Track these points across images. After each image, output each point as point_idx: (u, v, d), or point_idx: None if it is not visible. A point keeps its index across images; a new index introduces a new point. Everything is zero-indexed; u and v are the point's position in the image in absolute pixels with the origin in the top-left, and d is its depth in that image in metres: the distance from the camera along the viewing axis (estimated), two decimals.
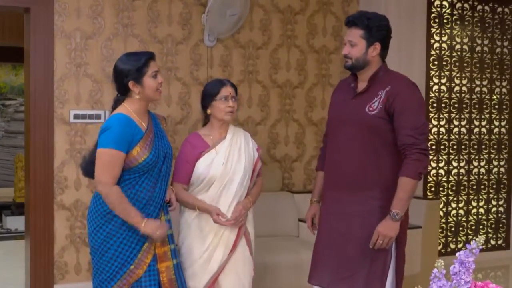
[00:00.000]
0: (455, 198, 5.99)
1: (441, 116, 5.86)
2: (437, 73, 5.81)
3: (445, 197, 5.93)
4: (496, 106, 6.13)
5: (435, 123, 5.82)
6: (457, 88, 5.92)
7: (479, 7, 5.99)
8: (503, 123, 6.18)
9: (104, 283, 2.97)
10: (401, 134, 2.89)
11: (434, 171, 5.85)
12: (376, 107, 2.93)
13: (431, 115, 5.79)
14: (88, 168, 3.04)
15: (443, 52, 5.83)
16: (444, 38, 5.84)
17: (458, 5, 5.89)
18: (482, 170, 6.11)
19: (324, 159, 3.20)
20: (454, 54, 5.89)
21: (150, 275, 2.98)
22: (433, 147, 5.83)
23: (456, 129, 5.94)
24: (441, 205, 5.80)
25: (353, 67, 3.01)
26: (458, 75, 5.92)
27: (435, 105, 5.80)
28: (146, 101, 3.02)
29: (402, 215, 2.89)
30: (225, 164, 3.22)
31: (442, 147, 5.88)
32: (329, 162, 3.11)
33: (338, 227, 3.01)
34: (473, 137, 6.04)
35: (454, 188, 5.98)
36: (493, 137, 6.14)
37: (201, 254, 3.20)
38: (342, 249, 3.00)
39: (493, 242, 6.19)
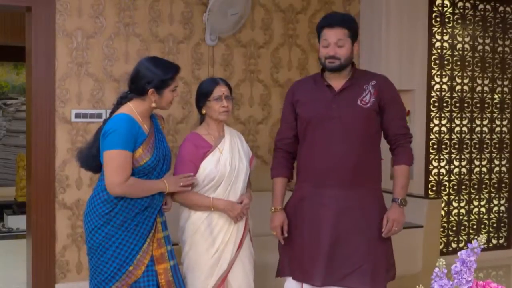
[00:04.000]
0: (456, 197, 5.99)
1: (443, 115, 5.85)
2: (438, 72, 5.80)
3: (447, 196, 5.92)
4: (498, 105, 6.12)
5: (436, 122, 5.82)
6: (458, 87, 5.92)
7: (481, 6, 5.98)
8: (504, 122, 6.17)
9: (102, 284, 2.95)
10: (393, 125, 3.04)
11: (435, 170, 5.85)
12: (369, 100, 3.00)
13: (433, 114, 5.78)
14: (84, 159, 3.05)
15: (444, 51, 5.83)
16: (446, 37, 5.83)
17: (460, 4, 5.89)
18: (484, 169, 6.10)
19: (286, 164, 3.24)
20: (456, 53, 5.89)
21: (148, 275, 2.98)
22: (435, 146, 5.83)
23: (457, 128, 5.94)
24: (443, 204, 5.80)
25: (341, 67, 3.00)
26: (459, 74, 5.91)
27: (436, 104, 5.79)
28: (154, 108, 3.03)
29: (407, 201, 3.04)
30: (231, 162, 3.24)
31: (443, 146, 5.87)
32: (319, 161, 3.06)
33: (340, 224, 3.00)
34: (474, 136, 6.03)
35: (455, 187, 5.97)
36: (494, 136, 6.13)
37: (212, 255, 3.19)
38: (347, 245, 3.00)
39: (494, 242, 6.19)
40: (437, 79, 5.80)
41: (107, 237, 2.91)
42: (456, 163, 5.96)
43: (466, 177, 6.02)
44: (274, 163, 3.29)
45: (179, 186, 3.07)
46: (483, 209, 6.12)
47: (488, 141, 6.11)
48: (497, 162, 6.16)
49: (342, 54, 2.98)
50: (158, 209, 3.03)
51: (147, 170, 2.94)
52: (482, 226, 6.11)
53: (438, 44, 5.78)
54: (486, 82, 6.05)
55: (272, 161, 3.33)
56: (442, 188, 5.90)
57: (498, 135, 6.15)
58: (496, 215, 6.18)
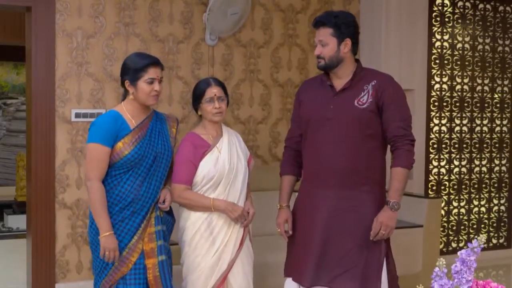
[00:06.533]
0: (456, 197, 5.99)
1: (443, 115, 5.85)
2: (438, 72, 5.80)
3: (447, 196, 5.92)
4: (498, 105, 6.12)
5: (436, 122, 5.82)
6: (458, 86, 5.92)
7: (481, 5, 5.98)
8: (504, 122, 6.17)
9: (97, 277, 3.07)
10: (392, 126, 2.96)
11: (435, 170, 5.85)
12: (366, 100, 2.98)
13: (433, 114, 5.78)
14: None
15: (444, 50, 5.83)
16: (446, 37, 5.83)
17: (460, 3, 5.89)
18: (484, 169, 6.10)
19: (293, 162, 3.23)
20: (456, 53, 5.89)
21: (135, 273, 3.01)
22: (435, 146, 5.83)
23: (457, 128, 5.94)
24: (443, 204, 5.80)
25: (326, 66, 3.03)
26: (459, 74, 5.91)
27: (436, 103, 5.80)
28: (140, 103, 3.05)
29: (400, 204, 2.95)
30: (229, 162, 3.24)
31: (443, 146, 5.87)
32: (316, 161, 3.07)
33: (332, 225, 2.99)
34: (474, 136, 6.03)
35: (455, 187, 5.97)
36: (494, 136, 6.13)
37: (212, 256, 3.19)
38: (339, 246, 2.98)
39: (494, 241, 6.19)
40: (437, 79, 5.80)
41: (98, 232, 2.97)
42: (456, 163, 5.96)
43: (466, 177, 6.02)
44: (282, 161, 3.33)
45: (106, 250, 2.93)
46: (483, 209, 6.12)
47: (488, 140, 6.11)
48: (497, 162, 6.16)
49: (325, 54, 3.00)
50: (147, 207, 3.04)
51: (129, 164, 2.98)
52: (482, 225, 6.12)
53: (438, 43, 5.78)
54: (486, 81, 6.05)
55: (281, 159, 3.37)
56: (442, 187, 5.90)
57: (498, 134, 6.15)
58: (496, 214, 6.18)
